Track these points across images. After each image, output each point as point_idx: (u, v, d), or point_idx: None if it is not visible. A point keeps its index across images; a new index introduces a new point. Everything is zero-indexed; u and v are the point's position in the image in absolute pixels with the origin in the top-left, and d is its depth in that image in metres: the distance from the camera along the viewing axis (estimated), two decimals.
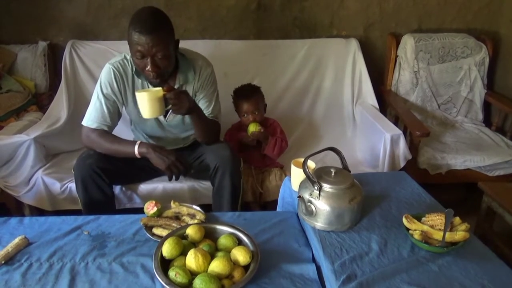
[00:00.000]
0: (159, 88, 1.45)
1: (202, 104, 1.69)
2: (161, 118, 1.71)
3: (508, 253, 1.63)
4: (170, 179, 1.58)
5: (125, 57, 1.62)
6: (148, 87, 1.61)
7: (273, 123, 2.06)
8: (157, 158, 1.53)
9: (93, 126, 1.60)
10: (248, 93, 1.94)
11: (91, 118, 1.61)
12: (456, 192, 2.32)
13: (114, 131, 1.70)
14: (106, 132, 1.62)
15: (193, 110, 1.57)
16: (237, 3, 2.33)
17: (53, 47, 2.35)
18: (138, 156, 1.56)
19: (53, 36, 2.35)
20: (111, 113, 1.62)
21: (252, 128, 1.90)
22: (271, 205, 1.88)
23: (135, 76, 1.61)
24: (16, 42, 2.32)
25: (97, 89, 1.62)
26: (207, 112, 1.71)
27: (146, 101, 1.43)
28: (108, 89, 1.60)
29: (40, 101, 2.29)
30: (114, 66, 1.59)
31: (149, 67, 1.45)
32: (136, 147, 1.55)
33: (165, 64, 1.49)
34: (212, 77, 1.71)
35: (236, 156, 1.68)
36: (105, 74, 1.60)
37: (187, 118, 1.72)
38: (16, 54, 2.28)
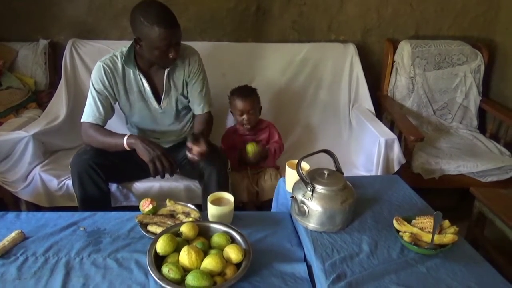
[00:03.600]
0: (231, 201, 1.34)
1: (195, 90, 1.77)
2: (156, 106, 1.75)
3: (498, 258, 1.66)
4: (153, 174, 1.54)
5: (114, 55, 1.68)
6: (139, 77, 1.68)
7: (269, 126, 2.07)
8: (143, 149, 1.55)
9: (89, 120, 1.67)
10: (245, 93, 1.97)
11: (87, 113, 1.68)
12: (451, 198, 2.35)
13: (111, 129, 1.74)
14: (101, 127, 1.68)
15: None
16: (236, 6, 2.36)
17: (54, 45, 2.37)
18: (127, 148, 1.59)
19: (54, 34, 2.37)
20: (105, 107, 1.69)
21: (251, 148, 1.92)
22: (267, 205, 1.90)
23: (125, 67, 1.67)
24: (17, 40, 2.34)
25: (90, 86, 1.69)
26: (200, 97, 1.79)
27: (218, 214, 1.31)
28: (100, 85, 1.67)
29: (40, 98, 2.31)
30: (104, 63, 1.66)
31: (173, 54, 1.57)
32: (125, 138, 1.59)
33: (179, 48, 1.62)
34: (200, 63, 1.79)
35: (222, 157, 1.72)
36: (96, 71, 1.67)
37: (179, 104, 1.79)
38: (17, 52, 2.30)
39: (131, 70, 1.68)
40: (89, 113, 1.67)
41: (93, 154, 1.63)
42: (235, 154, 1.97)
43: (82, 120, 1.68)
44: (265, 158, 1.98)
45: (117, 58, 1.67)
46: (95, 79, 1.66)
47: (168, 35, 1.51)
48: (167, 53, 1.57)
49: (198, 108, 1.81)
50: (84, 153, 1.64)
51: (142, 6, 1.54)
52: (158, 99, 1.75)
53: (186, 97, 1.79)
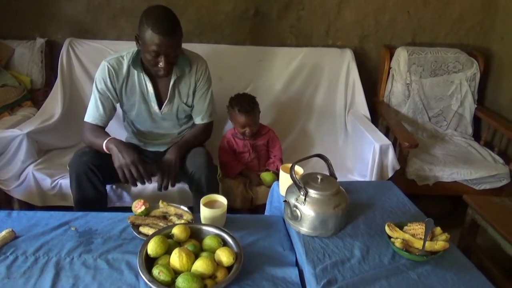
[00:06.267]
0: (224, 204, 1.34)
1: (199, 101, 1.80)
2: (156, 110, 1.76)
3: (489, 266, 1.66)
4: (122, 180, 1.56)
5: (120, 55, 1.69)
6: (144, 81, 1.69)
7: (269, 132, 2.07)
8: (115, 154, 1.55)
9: (89, 120, 1.69)
10: (247, 108, 1.90)
11: (88, 113, 1.70)
12: (444, 205, 2.36)
13: (107, 129, 1.75)
14: (98, 127, 1.69)
15: (180, 154, 1.69)
16: (235, 9, 2.37)
17: (51, 44, 2.36)
18: (106, 151, 1.59)
19: (51, 33, 2.37)
20: (105, 108, 1.70)
21: (269, 178, 1.91)
22: (261, 209, 1.89)
23: (130, 68, 1.67)
24: (15, 38, 2.33)
25: (93, 86, 1.70)
26: (202, 108, 1.81)
27: (211, 217, 1.32)
28: (102, 85, 1.67)
29: (35, 97, 2.30)
30: (109, 63, 1.67)
31: (162, 64, 1.55)
32: (105, 141, 1.59)
33: (175, 61, 1.61)
34: (207, 73, 1.81)
35: (211, 163, 1.72)
36: (100, 70, 1.68)
37: (180, 112, 1.80)
38: (14, 49, 2.29)
39: (136, 71, 1.68)
40: (90, 113, 1.70)
41: (92, 156, 1.62)
42: (237, 166, 1.96)
43: (84, 119, 1.71)
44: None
45: (123, 59, 1.68)
46: (98, 79, 1.68)
47: (159, 42, 1.48)
48: (155, 60, 1.54)
49: (198, 118, 1.84)
50: (84, 154, 1.63)
51: (151, 7, 1.56)
52: (160, 104, 1.75)
53: (189, 106, 1.81)
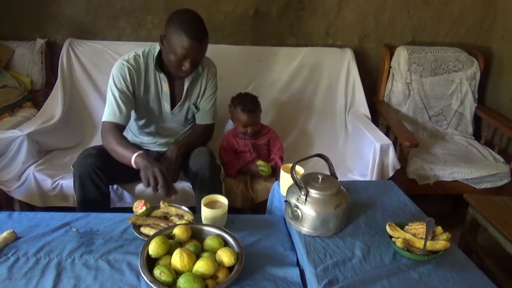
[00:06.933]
0: (225, 204, 1.34)
1: (205, 103, 1.83)
2: (168, 110, 1.77)
3: (490, 265, 1.66)
4: (145, 185, 1.47)
5: (136, 54, 1.69)
6: (160, 80, 1.70)
7: (270, 132, 2.07)
8: (142, 165, 1.47)
9: (109, 119, 1.63)
10: (249, 107, 1.92)
11: (107, 113, 1.64)
12: (445, 204, 2.36)
13: None
14: (120, 131, 1.62)
15: (181, 153, 1.71)
16: (235, 9, 2.37)
17: (51, 45, 2.36)
18: (134, 166, 1.50)
19: (51, 33, 2.37)
20: (126, 106, 1.65)
21: (265, 167, 1.91)
22: (262, 206, 1.89)
23: (148, 67, 1.67)
24: (14, 38, 2.33)
25: (110, 85, 1.65)
26: (206, 110, 1.84)
27: (212, 217, 1.32)
28: (122, 82, 1.64)
29: (36, 97, 2.30)
30: (128, 62, 1.66)
31: (186, 67, 1.57)
32: (134, 156, 1.49)
33: (198, 65, 1.65)
34: (216, 77, 1.84)
35: (215, 162, 1.72)
36: (118, 68, 1.65)
37: (189, 112, 1.83)
38: (14, 50, 2.29)
39: (153, 71, 1.68)
40: (110, 112, 1.63)
41: (97, 157, 1.60)
42: (237, 163, 1.96)
43: (102, 119, 1.65)
44: (275, 173, 1.96)
45: (139, 57, 1.68)
46: (116, 77, 1.64)
47: (188, 46, 1.50)
48: (180, 62, 1.56)
49: (200, 119, 1.86)
50: (89, 156, 1.61)
51: (181, 11, 1.58)
52: (173, 104, 1.77)
53: (197, 108, 1.83)
